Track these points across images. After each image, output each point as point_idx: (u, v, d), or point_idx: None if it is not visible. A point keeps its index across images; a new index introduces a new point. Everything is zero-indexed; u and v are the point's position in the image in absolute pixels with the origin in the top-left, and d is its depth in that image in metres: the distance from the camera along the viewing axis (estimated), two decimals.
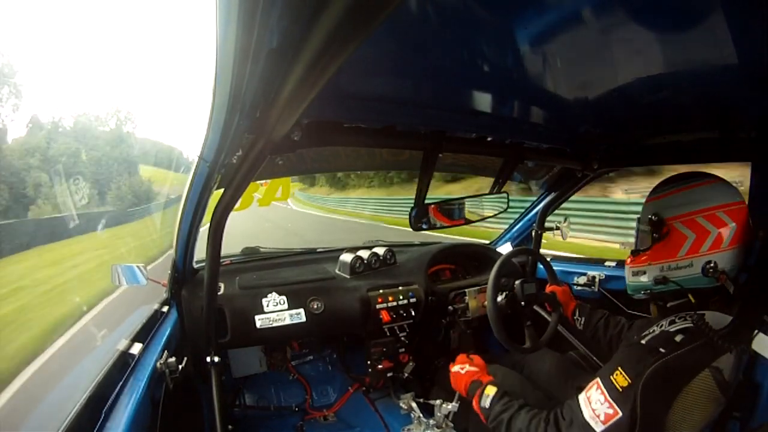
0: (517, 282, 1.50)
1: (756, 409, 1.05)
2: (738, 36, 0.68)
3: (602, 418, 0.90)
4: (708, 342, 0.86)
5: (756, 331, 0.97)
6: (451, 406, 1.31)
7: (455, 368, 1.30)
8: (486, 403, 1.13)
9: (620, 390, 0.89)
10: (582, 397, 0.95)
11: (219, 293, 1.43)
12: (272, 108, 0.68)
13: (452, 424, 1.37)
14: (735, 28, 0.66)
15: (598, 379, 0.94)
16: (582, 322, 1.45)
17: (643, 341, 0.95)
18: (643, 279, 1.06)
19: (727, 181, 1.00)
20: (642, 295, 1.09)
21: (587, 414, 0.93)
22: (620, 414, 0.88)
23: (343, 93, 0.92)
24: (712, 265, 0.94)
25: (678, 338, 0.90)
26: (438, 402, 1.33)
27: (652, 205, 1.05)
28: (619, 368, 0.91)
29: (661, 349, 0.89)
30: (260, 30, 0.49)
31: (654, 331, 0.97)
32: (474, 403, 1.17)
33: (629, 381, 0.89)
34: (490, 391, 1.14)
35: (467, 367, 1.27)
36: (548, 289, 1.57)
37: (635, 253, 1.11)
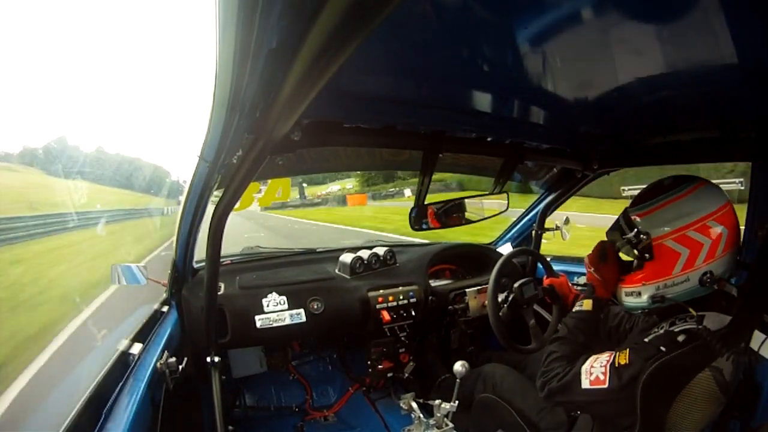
0: (517, 283, 1.50)
1: (756, 409, 1.05)
2: (738, 36, 0.68)
3: (592, 378, 0.96)
4: (709, 342, 0.87)
5: (756, 332, 0.97)
6: (450, 406, 1.31)
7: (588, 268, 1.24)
8: (576, 308, 1.21)
9: (617, 366, 0.93)
10: (594, 355, 1.01)
11: (219, 293, 1.43)
12: (272, 108, 0.68)
13: (452, 424, 1.37)
14: (735, 28, 0.66)
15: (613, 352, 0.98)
16: None
17: (646, 339, 0.96)
18: (639, 300, 1.03)
19: (710, 182, 0.98)
20: (640, 313, 1.08)
21: (585, 367, 0.99)
22: (605, 385, 0.93)
23: (343, 93, 0.92)
24: (708, 276, 0.93)
25: (680, 338, 0.90)
26: (437, 402, 1.34)
27: (639, 223, 1.00)
28: (628, 350, 0.94)
29: (663, 348, 0.90)
30: (260, 30, 0.50)
31: (657, 332, 0.97)
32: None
33: (627, 361, 0.92)
34: (587, 304, 1.20)
35: (593, 272, 1.20)
36: (546, 282, 1.57)
37: (625, 272, 1.08)
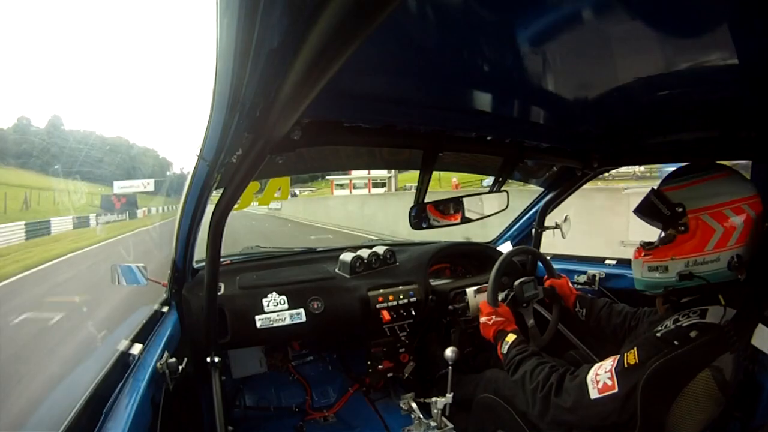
0: (517, 282, 1.50)
1: (757, 409, 1.05)
2: (738, 36, 0.68)
3: (600, 386, 0.92)
4: (719, 336, 0.86)
5: (757, 330, 0.97)
6: (445, 399, 1.32)
7: (482, 319, 1.37)
8: (505, 349, 1.23)
9: (626, 366, 0.91)
10: (597, 363, 0.98)
11: (219, 293, 1.43)
12: (272, 107, 0.67)
13: (452, 425, 1.37)
14: (735, 28, 0.66)
15: (618, 355, 0.96)
16: (584, 314, 1.46)
17: (658, 334, 0.94)
18: (665, 275, 0.99)
19: (741, 173, 0.98)
20: (660, 291, 1.03)
21: (590, 376, 0.95)
22: (616, 390, 0.90)
23: (343, 92, 0.92)
24: (737, 259, 0.91)
25: (693, 333, 0.89)
26: (432, 400, 1.34)
27: (673, 195, 0.98)
28: (635, 348, 0.92)
29: (675, 342, 0.89)
30: (260, 29, 0.49)
31: (668, 325, 0.95)
32: (497, 349, 1.27)
33: (637, 360, 0.90)
34: (510, 338, 1.24)
35: (494, 318, 1.34)
36: (547, 283, 1.58)
37: (649, 246, 1.04)
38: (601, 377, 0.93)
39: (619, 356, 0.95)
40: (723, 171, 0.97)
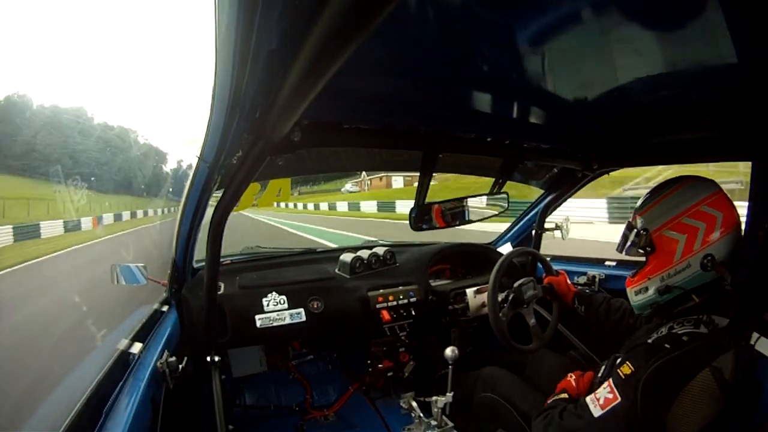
0: (517, 283, 1.50)
1: (757, 408, 1.05)
2: (738, 36, 0.68)
3: (601, 402, 0.93)
4: (711, 340, 0.87)
5: (755, 331, 0.97)
6: (446, 398, 1.32)
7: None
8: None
9: (623, 377, 0.92)
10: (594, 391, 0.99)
11: (219, 293, 1.43)
12: (272, 108, 0.68)
13: (452, 423, 1.37)
14: (735, 28, 0.66)
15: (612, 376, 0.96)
16: (582, 310, 1.47)
17: (650, 340, 0.96)
18: (647, 295, 1.05)
19: (700, 176, 1.01)
20: (650, 311, 1.08)
21: (589, 398, 0.96)
22: (619, 399, 0.90)
23: (343, 93, 0.92)
24: (709, 258, 0.94)
25: (685, 338, 0.91)
26: (433, 399, 1.34)
27: (638, 222, 1.06)
28: (627, 361, 0.93)
29: (667, 345, 0.90)
30: (260, 30, 0.50)
31: (662, 331, 0.98)
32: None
33: (632, 369, 0.91)
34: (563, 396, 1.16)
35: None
36: (545, 281, 1.58)
37: (633, 274, 1.11)
38: (600, 394, 0.94)
39: (612, 377, 0.95)
40: (678, 183, 1.02)
